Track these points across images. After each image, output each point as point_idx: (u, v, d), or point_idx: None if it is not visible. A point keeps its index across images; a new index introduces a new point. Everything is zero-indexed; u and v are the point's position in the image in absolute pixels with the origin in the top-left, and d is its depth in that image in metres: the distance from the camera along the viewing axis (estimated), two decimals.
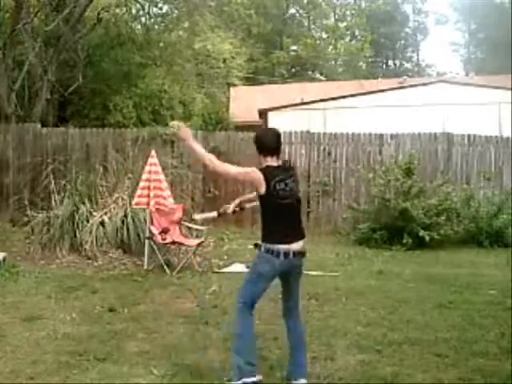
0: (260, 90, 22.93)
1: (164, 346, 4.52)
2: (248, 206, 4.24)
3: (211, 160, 3.74)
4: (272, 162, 3.76)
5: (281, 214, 3.71)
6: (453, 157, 11.43)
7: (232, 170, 3.80)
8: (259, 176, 3.66)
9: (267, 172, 3.69)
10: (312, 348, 4.43)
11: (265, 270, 3.70)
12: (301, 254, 3.75)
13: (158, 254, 7.47)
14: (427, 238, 9.25)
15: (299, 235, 3.79)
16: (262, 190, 3.66)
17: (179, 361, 4.19)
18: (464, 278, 7.11)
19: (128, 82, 15.07)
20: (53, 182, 8.96)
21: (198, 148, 3.82)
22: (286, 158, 11.43)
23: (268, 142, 3.80)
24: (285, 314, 3.90)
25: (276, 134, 3.86)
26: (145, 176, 7.78)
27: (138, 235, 8.01)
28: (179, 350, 4.41)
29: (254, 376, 3.64)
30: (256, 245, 3.77)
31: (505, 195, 10.44)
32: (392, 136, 11.45)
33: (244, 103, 19.75)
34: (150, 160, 7.86)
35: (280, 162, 3.79)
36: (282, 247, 3.65)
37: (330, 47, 34.54)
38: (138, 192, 7.76)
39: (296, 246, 3.71)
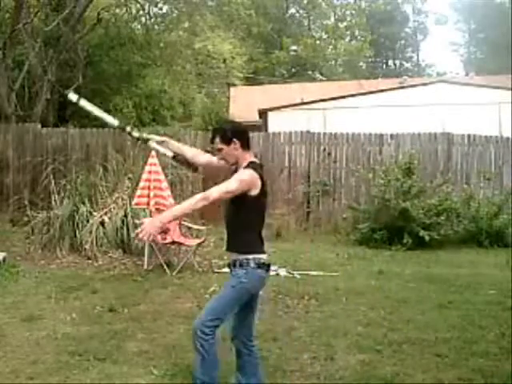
0: (260, 90, 22.89)
1: (164, 346, 4.52)
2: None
3: (202, 198, 3.07)
4: (252, 157, 3.27)
5: (262, 219, 3.32)
6: (453, 157, 11.43)
7: (230, 185, 3.11)
8: (256, 176, 3.15)
9: (257, 170, 3.18)
10: (312, 348, 4.44)
11: (254, 287, 3.31)
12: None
13: (158, 254, 7.47)
14: (427, 238, 9.24)
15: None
16: (256, 191, 3.15)
17: (179, 361, 4.19)
18: (464, 278, 7.11)
19: (128, 82, 15.10)
20: (53, 182, 8.94)
21: (176, 209, 3.26)
22: (286, 158, 11.51)
23: (247, 134, 3.29)
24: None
25: None
26: (145, 176, 7.78)
27: None
28: (179, 350, 4.41)
29: None
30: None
31: (505, 195, 10.43)
32: (392, 136, 11.45)
33: (244, 103, 19.72)
34: (150, 160, 7.85)
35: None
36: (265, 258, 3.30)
37: (330, 47, 34.49)
38: (138, 192, 7.75)
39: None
